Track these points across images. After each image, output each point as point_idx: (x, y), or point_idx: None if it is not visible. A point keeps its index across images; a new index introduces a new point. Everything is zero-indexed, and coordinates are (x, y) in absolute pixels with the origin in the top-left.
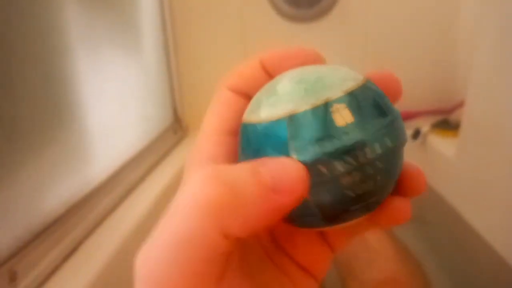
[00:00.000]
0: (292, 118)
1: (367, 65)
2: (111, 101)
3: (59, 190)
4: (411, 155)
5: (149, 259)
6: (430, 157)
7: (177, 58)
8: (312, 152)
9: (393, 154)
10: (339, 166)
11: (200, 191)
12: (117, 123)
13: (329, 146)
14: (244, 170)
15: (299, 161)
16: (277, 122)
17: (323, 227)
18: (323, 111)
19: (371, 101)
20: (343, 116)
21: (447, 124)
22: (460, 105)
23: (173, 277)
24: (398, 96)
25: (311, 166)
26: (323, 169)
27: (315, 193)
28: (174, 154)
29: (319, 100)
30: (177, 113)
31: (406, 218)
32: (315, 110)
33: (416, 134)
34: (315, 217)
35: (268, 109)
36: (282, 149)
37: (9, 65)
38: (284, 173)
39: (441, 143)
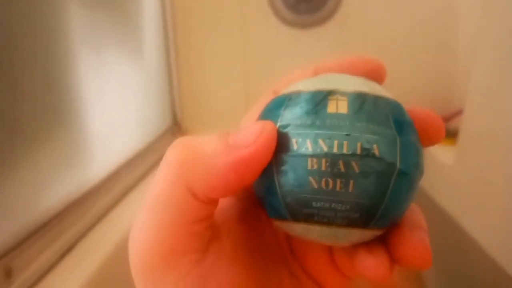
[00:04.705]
0: (293, 95)
1: None
2: (111, 102)
3: (57, 189)
4: None
5: (135, 222)
6: (428, 165)
7: (177, 62)
8: (289, 122)
9: (377, 167)
10: (309, 145)
11: (168, 154)
12: (117, 124)
13: (307, 123)
14: (212, 135)
15: (276, 126)
16: (282, 96)
17: (288, 219)
18: (322, 96)
19: (380, 111)
20: (337, 106)
21: (445, 132)
22: (458, 113)
23: (148, 239)
24: (438, 139)
25: (284, 135)
26: (293, 142)
27: (280, 165)
28: None
29: (326, 88)
30: (176, 115)
31: (423, 256)
32: (316, 93)
33: None
34: (278, 200)
35: (287, 89)
36: (274, 118)
37: (11, 65)
38: (247, 130)
39: (439, 151)
